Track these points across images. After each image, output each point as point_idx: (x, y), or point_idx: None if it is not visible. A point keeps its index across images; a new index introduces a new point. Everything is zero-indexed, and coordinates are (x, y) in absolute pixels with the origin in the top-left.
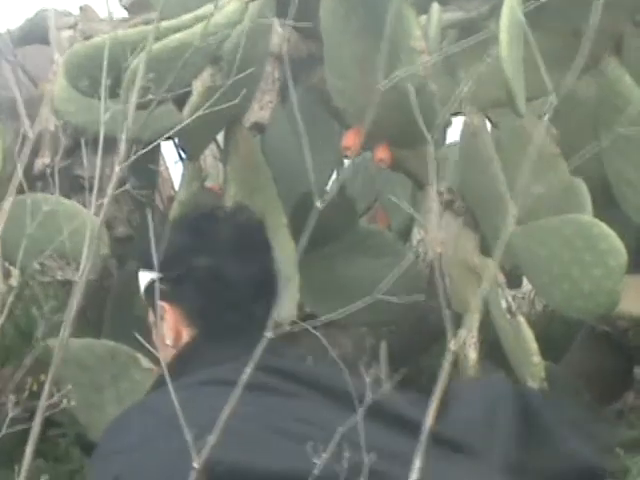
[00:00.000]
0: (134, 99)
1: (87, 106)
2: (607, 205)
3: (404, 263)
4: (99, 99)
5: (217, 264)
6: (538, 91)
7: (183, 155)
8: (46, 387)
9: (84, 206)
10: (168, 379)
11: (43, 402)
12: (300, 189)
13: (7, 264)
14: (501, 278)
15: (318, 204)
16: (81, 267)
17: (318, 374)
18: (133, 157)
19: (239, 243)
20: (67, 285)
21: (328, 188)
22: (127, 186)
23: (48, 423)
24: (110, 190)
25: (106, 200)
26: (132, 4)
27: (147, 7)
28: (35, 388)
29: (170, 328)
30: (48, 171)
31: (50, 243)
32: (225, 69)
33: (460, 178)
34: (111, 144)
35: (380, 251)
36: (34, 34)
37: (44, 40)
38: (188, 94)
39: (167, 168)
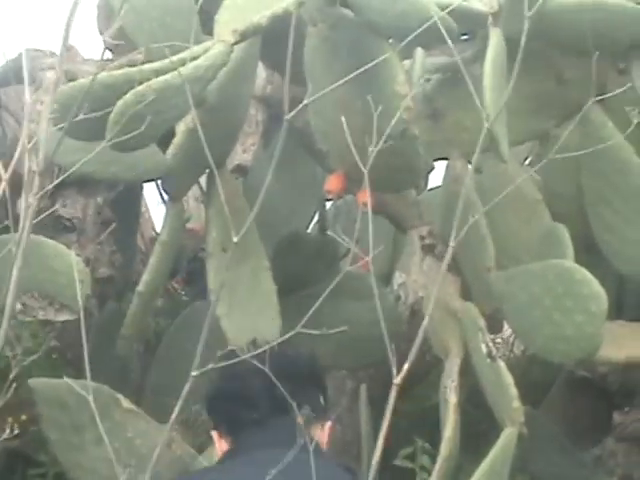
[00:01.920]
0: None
1: (72, 147)
2: (588, 250)
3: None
4: (84, 140)
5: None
6: (521, 136)
7: (165, 196)
8: None
9: (67, 247)
10: None
11: None
12: (282, 232)
13: None
14: (482, 322)
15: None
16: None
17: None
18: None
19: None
20: (48, 325)
21: (310, 230)
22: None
23: (29, 462)
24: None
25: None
26: (116, 45)
27: (132, 48)
28: (16, 427)
29: (219, 450)
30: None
31: (33, 283)
32: (209, 111)
33: (442, 223)
34: (94, 185)
35: (361, 294)
36: (17, 74)
37: (29, 79)
38: (172, 136)
39: (148, 209)
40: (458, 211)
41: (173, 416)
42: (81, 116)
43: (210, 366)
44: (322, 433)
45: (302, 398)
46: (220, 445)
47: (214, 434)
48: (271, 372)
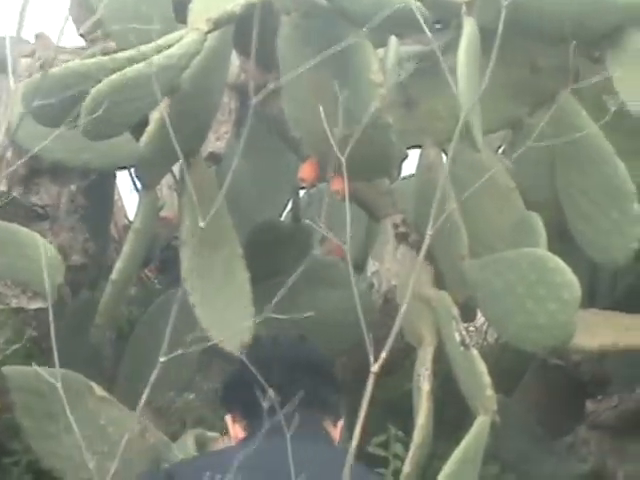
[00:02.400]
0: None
1: (45, 135)
2: (561, 239)
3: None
4: (57, 128)
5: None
6: (494, 125)
7: (139, 185)
8: None
9: (40, 235)
10: None
11: None
12: (256, 220)
13: None
14: (455, 311)
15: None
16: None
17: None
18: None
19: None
20: (21, 313)
21: (283, 218)
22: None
23: (1, 450)
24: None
25: None
26: (92, 33)
27: (106, 36)
28: None
29: (232, 435)
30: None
31: (6, 270)
32: (182, 100)
33: (415, 211)
34: (67, 173)
35: (334, 282)
36: None
37: (1, 68)
38: (145, 124)
39: (121, 197)
40: (435, 200)
41: (141, 402)
42: (44, 102)
43: (178, 352)
44: (334, 430)
45: (317, 391)
46: (234, 430)
47: (228, 419)
48: (289, 362)
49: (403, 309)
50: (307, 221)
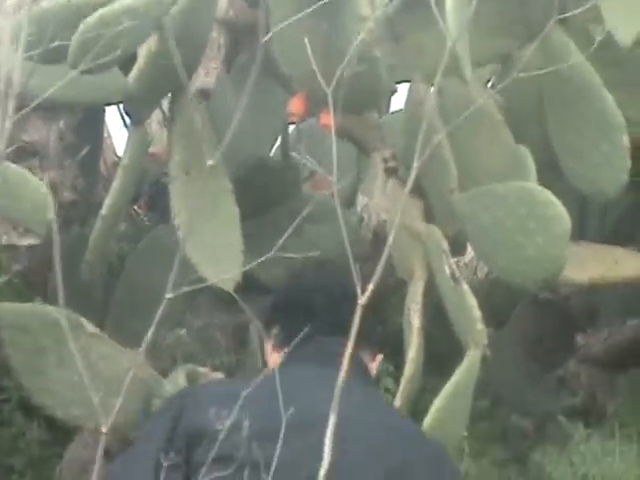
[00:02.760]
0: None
1: (34, 70)
2: (550, 172)
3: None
4: (47, 64)
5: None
6: (483, 58)
7: (128, 120)
8: None
9: (30, 172)
10: None
11: None
12: (245, 154)
13: None
14: (445, 245)
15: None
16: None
17: None
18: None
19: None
20: (10, 249)
21: (272, 153)
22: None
23: None
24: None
25: None
26: None
27: None
28: None
29: (270, 362)
30: None
31: None
32: (171, 35)
33: (404, 146)
34: (56, 110)
35: (323, 217)
36: None
37: None
38: (134, 59)
39: (110, 134)
40: (421, 132)
41: (145, 341)
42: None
43: (183, 289)
44: (372, 363)
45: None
46: (272, 358)
47: (267, 346)
48: (335, 292)
49: (390, 240)
50: (295, 155)
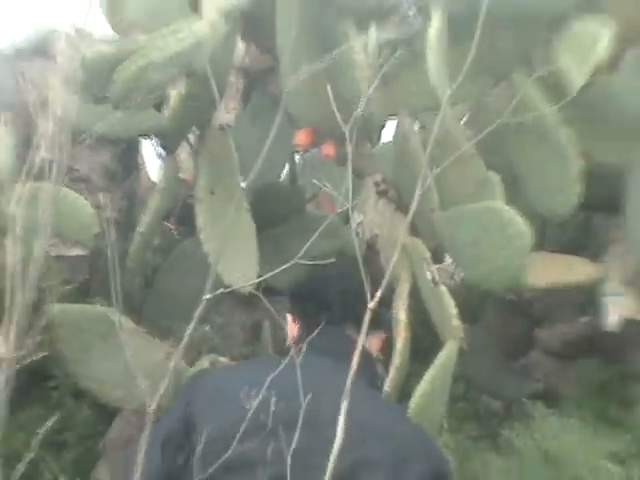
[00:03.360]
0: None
1: (84, 109)
2: (516, 195)
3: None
4: (94, 104)
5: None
6: (459, 98)
7: (162, 152)
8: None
9: (80, 194)
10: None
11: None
12: (259, 179)
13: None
14: (427, 255)
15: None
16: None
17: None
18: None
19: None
20: (60, 260)
21: (282, 178)
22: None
23: (45, 376)
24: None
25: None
26: (120, 25)
27: (132, 26)
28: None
29: (290, 332)
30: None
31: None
32: (197, 80)
33: (393, 171)
34: (102, 143)
35: (324, 232)
36: (37, 48)
37: (44, 53)
38: (166, 100)
39: (145, 163)
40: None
41: (180, 335)
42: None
43: (220, 291)
44: (375, 341)
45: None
46: (291, 327)
47: (289, 317)
48: (345, 285)
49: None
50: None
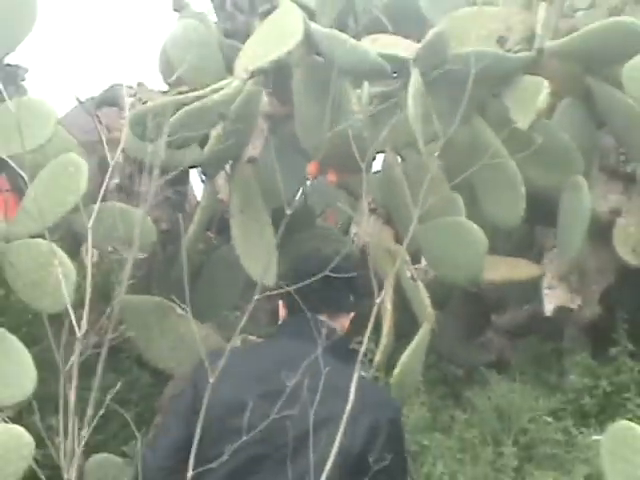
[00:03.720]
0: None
1: (144, 146)
2: (475, 210)
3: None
4: (150, 142)
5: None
6: (430, 137)
7: (204, 177)
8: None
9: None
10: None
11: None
12: (279, 200)
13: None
14: (407, 257)
15: (288, 211)
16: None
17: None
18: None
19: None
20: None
21: (296, 199)
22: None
23: (118, 350)
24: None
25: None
26: (172, 81)
27: (182, 82)
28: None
29: (280, 313)
30: (118, 188)
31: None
32: (231, 123)
33: (381, 194)
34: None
35: (329, 240)
36: (108, 99)
37: (115, 103)
38: (207, 138)
39: (192, 186)
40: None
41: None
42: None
43: (266, 293)
44: (345, 321)
45: (337, 296)
46: (281, 311)
47: (281, 302)
48: (325, 278)
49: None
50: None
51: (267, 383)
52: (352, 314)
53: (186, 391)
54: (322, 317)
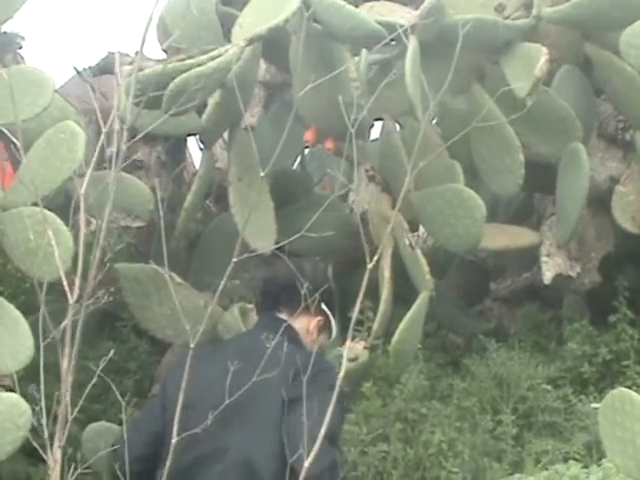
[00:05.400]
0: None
1: (140, 114)
2: (474, 178)
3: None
4: (147, 109)
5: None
6: (429, 104)
7: (201, 146)
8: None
9: (139, 179)
10: None
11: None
12: (276, 167)
13: (89, 216)
14: (405, 225)
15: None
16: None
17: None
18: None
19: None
20: (127, 229)
21: (294, 167)
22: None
23: (115, 318)
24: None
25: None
26: (170, 49)
27: (179, 51)
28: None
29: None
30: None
31: (119, 202)
32: (229, 90)
33: (379, 161)
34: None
35: (328, 208)
36: (106, 67)
37: (112, 71)
38: (205, 106)
39: (190, 154)
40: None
41: (219, 290)
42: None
43: (244, 255)
44: (314, 323)
45: (295, 298)
46: (255, 311)
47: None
48: (288, 283)
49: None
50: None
51: (227, 377)
52: (319, 318)
53: (159, 391)
54: (281, 315)
